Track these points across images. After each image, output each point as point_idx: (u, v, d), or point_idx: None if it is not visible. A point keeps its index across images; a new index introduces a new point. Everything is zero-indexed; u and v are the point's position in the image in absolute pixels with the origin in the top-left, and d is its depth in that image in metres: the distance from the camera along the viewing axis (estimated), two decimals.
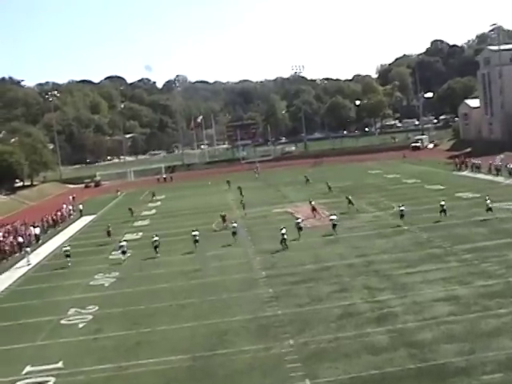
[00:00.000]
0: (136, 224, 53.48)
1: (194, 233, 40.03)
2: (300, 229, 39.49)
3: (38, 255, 43.75)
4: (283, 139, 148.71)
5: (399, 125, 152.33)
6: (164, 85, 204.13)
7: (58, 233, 53.35)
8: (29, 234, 48.94)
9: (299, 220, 41.15)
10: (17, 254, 44.15)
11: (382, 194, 55.24)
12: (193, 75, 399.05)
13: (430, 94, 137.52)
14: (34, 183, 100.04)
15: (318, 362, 20.06)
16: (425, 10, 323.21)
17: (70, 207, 65.69)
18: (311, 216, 46.42)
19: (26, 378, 21.49)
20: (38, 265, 40.89)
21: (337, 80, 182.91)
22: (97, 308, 28.81)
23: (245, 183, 74.05)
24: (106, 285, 33.33)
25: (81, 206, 64.56)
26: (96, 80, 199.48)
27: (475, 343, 19.95)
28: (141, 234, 47.80)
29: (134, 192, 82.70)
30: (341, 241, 37.60)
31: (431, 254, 32.07)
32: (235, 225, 41.66)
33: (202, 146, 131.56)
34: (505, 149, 71.52)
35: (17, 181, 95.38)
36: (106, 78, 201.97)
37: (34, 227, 50.71)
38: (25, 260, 41.46)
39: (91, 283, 33.90)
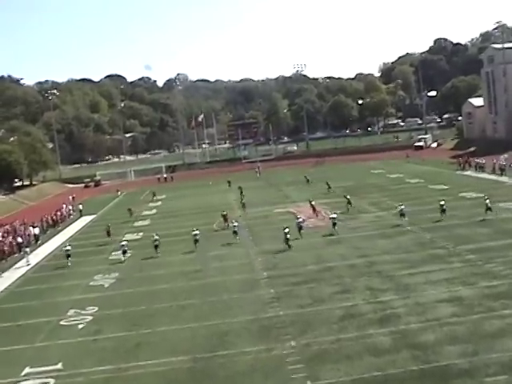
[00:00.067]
0: (136, 224, 53.53)
1: (194, 232, 40.16)
2: (300, 228, 39.55)
3: (37, 255, 43.79)
4: (285, 138, 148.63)
5: (402, 124, 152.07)
6: (165, 83, 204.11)
7: (57, 233, 53.40)
8: (28, 235, 48.99)
9: (300, 220, 41.20)
10: (16, 255, 44.18)
11: (384, 194, 55.22)
12: (194, 74, 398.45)
13: (433, 93, 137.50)
14: (34, 183, 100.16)
15: (319, 363, 20.06)
16: (428, 7, 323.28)
17: (70, 207, 65.74)
18: (313, 216, 46.48)
19: (25, 380, 21.51)
20: (37, 265, 40.93)
21: (339, 78, 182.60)
22: (96, 309, 28.83)
23: (246, 183, 74.07)
24: (106, 285, 33.36)
25: (80, 206, 64.62)
26: (96, 79, 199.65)
27: (479, 345, 19.93)
28: (141, 234, 47.85)
29: (134, 192, 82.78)
30: (343, 241, 37.60)
31: (434, 254, 32.04)
32: (236, 224, 41.83)
33: (203, 146, 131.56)
34: (509, 148, 71.34)
35: (16, 180, 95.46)
36: (105, 77, 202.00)
37: (34, 227, 50.75)
38: (24, 260, 41.51)
39: (91, 284, 33.94)
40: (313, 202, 48.88)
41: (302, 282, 29.61)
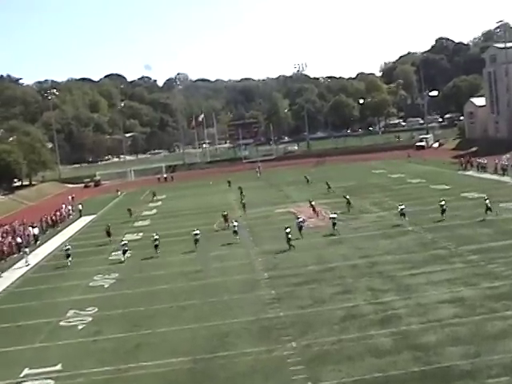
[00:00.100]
0: (136, 224, 53.55)
1: (194, 232, 40.24)
2: (300, 228, 39.59)
3: (36, 256, 43.80)
4: (285, 138, 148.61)
5: (403, 124, 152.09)
6: (165, 83, 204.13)
7: (57, 233, 53.42)
8: (27, 235, 49.01)
9: (300, 219, 41.25)
10: (15, 255, 44.20)
11: (386, 194, 55.22)
12: (194, 73, 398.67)
13: (434, 93, 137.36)
14: (33, 183, 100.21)
15: (320, 364, 20.06)
16: (429, 6, 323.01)
17: (70, 207, 65.79)
18: (313, 216, 46.51)
19: (25, 381, 21.52)
20: (36, 266, 40.95)
21: (340, 78, 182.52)
22: (96, 309, 28.84)
23: (246, 183, 74.09)
24: (106, 286, 33.37)
25: (80, 206, 64.62)
26: (96, 78, 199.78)
27: (481, 346, 19.92)
28: (141, 234, 47.86)
29: (134, 192, 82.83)
30: (344, 241, 37.59)
31: (436, 255, 32.03)
32: (236, 223, 41.95)
33: (204, 146, 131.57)
34: (511, 148, 71.34)
35: (15, 180, 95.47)
36: (105, 76, 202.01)
37: (33, 227, 50.77)
38: (23, 261, 41.49)
39: (90, 284, 33.95)
40: (313, 202, 48.91)
41: (302, 282, 29.61)
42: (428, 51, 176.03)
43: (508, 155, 66.31)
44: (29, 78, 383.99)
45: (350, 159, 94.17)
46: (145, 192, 77.69)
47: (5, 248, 44.15)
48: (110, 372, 21.37)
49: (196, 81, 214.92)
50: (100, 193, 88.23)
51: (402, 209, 41.21)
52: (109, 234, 46.39)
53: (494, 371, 18.16)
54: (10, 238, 46.60)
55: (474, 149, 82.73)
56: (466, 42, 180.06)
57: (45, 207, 68.92)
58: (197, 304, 28.10)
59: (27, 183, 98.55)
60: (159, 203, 67.62)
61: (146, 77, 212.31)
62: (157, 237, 40.00)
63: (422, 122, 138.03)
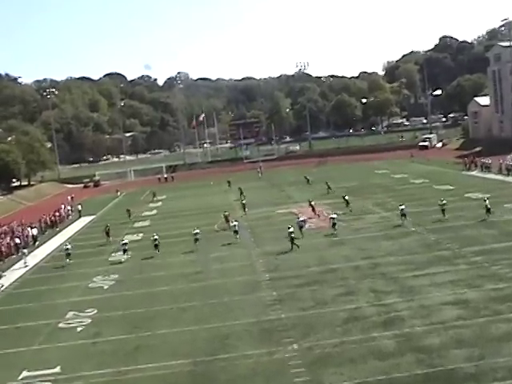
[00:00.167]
0: (136, 225, 53.56)
1: (194, 231, 40.48)
2: (301, 228, 39.63)
3: (35, 257, 43.80)
4: (287, 138, 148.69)
5: (407, 123, 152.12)
6: (165, 82, 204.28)
7: (56, 234, 53.43)
8: (26, 235, 49.03)
9: (300, 219, 41.34)
10: (13, 256, 44.21)
11: (389, 195, 55.17)
12: (195, 72, 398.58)
13: (438, 92, 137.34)
14: (32, 183, 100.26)
15: (322, 367, 20.04)
16: (433, 4, 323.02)
17: (69, 207, 65.81)
18: (315, 216, 46.54)
19: None
20: (35, 267, 40.95)
21: (342, 77, 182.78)
22: (96, 311, 28.83)
23: (248, 183, 74.12)
24: (105, 287, 33.37)
25: (79, 207, 64.67)
26: (95, 77, 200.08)
27: (485, 348, 19.88)
28: (141, 235, 47.86)
29: (134, 192, 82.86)
30: (346, 242, 37.57)
31: (439, 256, 32.00)
32: (236, 223, 42.19)
33: (205, 145, 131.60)
34: None
35: (14, 180, 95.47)
36: (105, 75, 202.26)
37: (32, 228, 50.77)
38: (22, 262, 41.48)
39: (90, 286, 33.95)
40: (312, 203, 48.98)
41: (304, 283, 29.59)
42: (431, 50, 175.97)
43: None
44: (27, 76, 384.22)
45: (353, 159, 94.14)
46: (145, 192, 77.74)
47: (3, 249, 44.15)
48: (110, 374, 21.35)
49: (197, 80, 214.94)
50: (99, 193, 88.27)
51: (402, 209, 41.27)
52: (108, 235, 46.50)
53: (499, 374, 18.12)
54: (9, 238, 46.60)
55: (478, 149, 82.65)
56: (469, 41, 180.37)
57: (44, 207, 68.93)
58: (197, 306, 28.09)
59: (26, 183, 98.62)
60: (159, 204, 67.64)
61: (147, 76, 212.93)
62: (156, 237, 40.20)
63: (425, 121, 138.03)
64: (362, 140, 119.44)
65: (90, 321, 27.55)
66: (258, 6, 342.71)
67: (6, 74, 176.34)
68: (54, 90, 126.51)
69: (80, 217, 62.05)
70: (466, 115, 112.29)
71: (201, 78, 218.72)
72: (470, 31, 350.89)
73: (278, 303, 27.03)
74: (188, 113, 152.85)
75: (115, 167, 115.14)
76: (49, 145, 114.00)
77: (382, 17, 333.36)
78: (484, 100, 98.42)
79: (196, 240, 40.21)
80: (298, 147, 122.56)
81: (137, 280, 34.18)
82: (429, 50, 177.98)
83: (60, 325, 27.46)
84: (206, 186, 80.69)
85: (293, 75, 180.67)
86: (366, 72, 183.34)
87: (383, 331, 22.33)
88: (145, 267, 37.12)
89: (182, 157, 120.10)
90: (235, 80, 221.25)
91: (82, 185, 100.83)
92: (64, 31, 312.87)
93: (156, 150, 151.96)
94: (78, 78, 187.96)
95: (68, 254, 40.13)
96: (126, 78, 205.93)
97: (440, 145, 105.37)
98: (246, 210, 53.01)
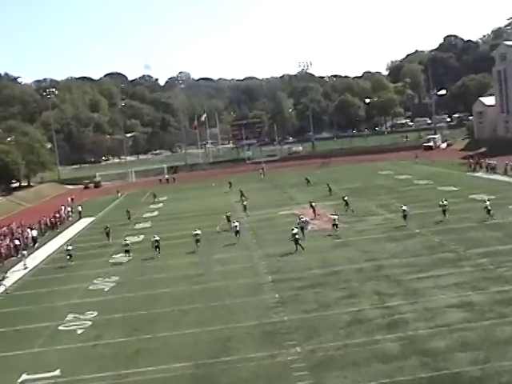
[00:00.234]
0: (137, 226, 53.62)
1: (195, 232, 40.65)
2: (302, 229, 39.66)
3: (35, 259, 43.85)
4: (290, 139, 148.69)
5: (411, 124, 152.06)
6: (166, 82, 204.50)
7: (56, 235, 53.47)
8: (26, 237, 49.05)
9: (302, 220, 41.44)
10: (13, 258, 44.25)
11: (392, 196, 55.15)
12: (196, 72, 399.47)
13: (442, 92, 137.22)
14: (31, 184, 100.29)
15: (325, 370, 20.04)
16: (438, 3, 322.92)
17: (69, 209, 65.87)
18: (317, 218, 46.60)
19: None
20: (35, 268, 41.00)
21: (346, 77, 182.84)
22: (96, 314, 28.84)
23: (250, 184, 74.17)
24: (106, 289, 33.39)
25: (80, 208, 64.72)
26: (96, 77, 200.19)
27: (490, 352, 19.86)
28: (142, 236, 47.87)
29: (135, 193, 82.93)
30: (350, 244, 37.57)
31: (443, 258, 31.97)
32: (237, 224, 42.38)
33: (206, 146, 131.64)
34: None
35: (13, 181, 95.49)
36: (106, 75, 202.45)
37: (31, 229, 50.81)
38: (21, 263, 41.51)
39: (90, 288, 33.98)
40: (313, 204, 49.05)
41: (307, 286, 29.60)
42: (436, 49, 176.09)
43: None
44: (27, 76, 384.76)
45: (356, 160, 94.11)
46: (146, 193, 77.82)
47: (2, 250, 44.19)
48: (110, 378, 21.37)
49: (198, 80, 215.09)
50: (100, 194, 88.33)
51: (404, 210, 41.30)
52: (108, 236, 46.63)
53: (504, 378, 18.10)
54: (8, 240, 46.67)
55: (483, 149, 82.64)
56: (475, 40, 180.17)
57: (43, 209, 69.05)
58: (199, 308, 28.10)
59: (26, 184, 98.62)
60: (160, 205, 67.70)
61: (148, 76, 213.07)
62: (157, 238, 40.25)
63: (429, 121, 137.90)
64: (365, 140, 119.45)
65: (90, 323, 27.57)
66: (260, 4, 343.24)
67: (6, 74, 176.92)
68: (54, 90, 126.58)
69: (80, 218, 62.12)
70: (471, 115, 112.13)
71: (202, 78, 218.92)
72: (475, 30, 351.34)
73: (280, 306, 27.03)
74: (189, 113, 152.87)
75: (116, 168, 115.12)
76: (49, 145, 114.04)
77: (386, 16, 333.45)
78: (489, 100, 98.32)
79: (197, 241, 40.37)
80: (300, 148, 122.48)
81: (138, 282, 34.19)
82: (433, 50, 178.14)
83: (60, 327, 27.48)
84: (207, 187, 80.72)
85: (295, 75, 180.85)
86: (369, 72, 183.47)
87: (387, 334, 22.32)
88: (146, 269, 37.15)
89: (184, 157, 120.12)
90: (237, 80, 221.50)
91: (83, 186, 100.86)
92: (64, 31, 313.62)
93: (157, 151, 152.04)
94: (79, 78, 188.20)
95: (69, 256, 40.29)
96: (126, 78, 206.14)
97: (444, 145, 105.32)
98: (248, 211, 53.11)
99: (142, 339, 24.72)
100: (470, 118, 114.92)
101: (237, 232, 41.71)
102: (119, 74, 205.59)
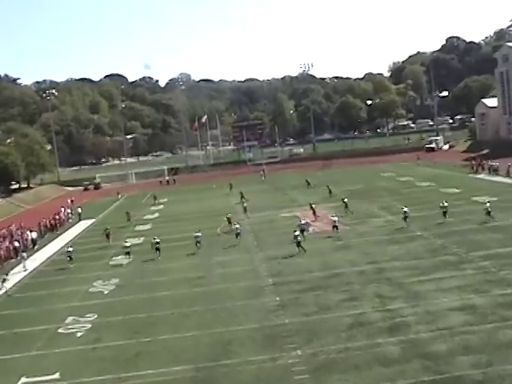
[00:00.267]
0: (138, 228, 53.64)
1: (195, 234, 40.76)
2: (302, 231, 39.68)
3: (34, 261, 43.87)
4: (291, 140, 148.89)
5: (413, 125, 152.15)
6: (167, 83, 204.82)
7: (55, 237, 53.49)
8: (25, 239, 49.10)
9: (302, 222, 41.49)
10: (12, 260, 44.29)
11: (394, 198, 55.14)
12: (197, 73, 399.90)
13: (445, 93, 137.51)
14: (31, 186, 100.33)
15: (326, 373, 20.03)
16: (440, 4, 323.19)
17: (69, 211, 65.88)
18: (316, 219, 46.64)
19: None
20: (34, 271, 41.03)
21: (347, 78, 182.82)
22: (96, 316, 28.86)
23: (251, 186, 74.19)
24: (106, 292, 33.39)
25: (79, 210, 64.76)
26: (96, 78, 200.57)
27: (493, 355, 19.85)
28: (142, 238, 47.87)
29: (135, 195, 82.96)
30: (351, 246, 37.56)
31: (445, 261, 31.96)
32: (238, 226, 42.65)
33: (207, 147, 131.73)
34: None
35: (13, 183, 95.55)
36: (106, 77, 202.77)
37: (31, 231, 50.86)
38: (21, 266, 41.54)
39: (90, 290, 33.98)
40: (313, 206, 49.08)
41: (308, 289, 29.58)
42: (438, 51, 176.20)
43: None
44: (27, 77, 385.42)
45: (358, 162, 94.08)
46: (146, 195, 77.87)
47: (2, 252, 44.24)
48: (110, 381, 21.38)
49: (199, 81, 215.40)
50: (100, 196, 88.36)
51: (405, 212, 41.36)
52: (108, 237, 46.71)
53: (506, 382, 18.10)
54: (8, 242, 46.70)
55: (485, 151, 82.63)
56: (477, 41, 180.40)
57: (43, 211, 69.07)
58: (199, 311, 28.10)
59: (25, 186, 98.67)
60: (161, 207, 67.72)
61: (148, 77, 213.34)
62: (158, 240, 40.28)
63: (431, 123, 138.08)
64: (367, 142, 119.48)
65: (89, 326, 27.57)
66: (261, 5, 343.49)
67: (6, 75, 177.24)
68: (53, 91, 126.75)
69: (80, 220, 62.15)
70: (473, 117, 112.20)
71: (203, 80, 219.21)
72: (477, 31, 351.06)
73: (281, 308, 27.03)
74: (190, 114, 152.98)
75: (116, 170, 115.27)
76: (48, 147, 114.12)
77: (388, 17, 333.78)
78: (492, 101, 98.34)
79: (197, 243, 40.41)
80: (301, 150, 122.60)
81: (138, 285, 34.20)
82: (435, 51, 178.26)
83: (59, 330, 27.49)
84: (208, 189, 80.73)
85: (296, 76, 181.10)
86: (371, 73, 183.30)
87: (388, 337, 22.31)
88: (146, 271, 37.15)
89: (184, 159, 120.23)
90: (238, 81, 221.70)
91: (82, 187, 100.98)
92: (64, 32, 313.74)
93: (157, 153, 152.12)
94: (79, 80, 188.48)
95: (70, 258, 40.35)
96: (126, 80, 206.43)
97: (447, 147, 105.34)
98: (248, 213, 53.17)
99: (142, 342, 24.71)
100: (473, 119, 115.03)
101: (237, 234, 41.84)
102: (119, 75, 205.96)
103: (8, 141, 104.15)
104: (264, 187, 76.69)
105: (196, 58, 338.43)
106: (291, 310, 26.75)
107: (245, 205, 55.60)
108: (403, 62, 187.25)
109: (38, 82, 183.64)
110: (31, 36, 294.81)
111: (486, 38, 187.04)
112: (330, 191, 60.35)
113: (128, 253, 40.63)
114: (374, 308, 25.69)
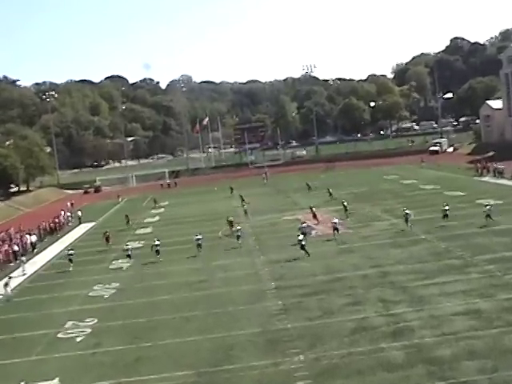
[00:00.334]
0: (138, 232, 53.64)
1: (197, 237, 40.79)
2: (304, 234, 39.67)
3: (34, 264, 43.87)
4: (293, 143, 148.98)
5: (416, 127, 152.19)
6: (168, 85, 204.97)
7: (55, 241, 53.53)
8: (24, 242, 49.12)
9: (304, 225, 41.48)
10: (12, 264, 44.29)
11: (398, 201, 55.06)
12: (198, 75, 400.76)
13: (449, 95, 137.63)
14: (30, 188, 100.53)
15: (329, 378, 19.98)
16: (444, 5, 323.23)
17: (69, 214, 65.94)
18: (317, 223, 46.66)
19: None
20: (34, 274, 41.02)
21: (350, 80, 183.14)
22: (96, 321, 28.83)
23: (253, 189, 74.24)
24: (106, 296, 33.37)
25: (79, 213, 64.82)
26: (96, 80, 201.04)
27: (498, 360, 19.78)
28: (143, 242, 47.85)
29: (136, 198, 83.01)
30: (354, 250, 37.51)
31: (450, 264, 31.89)
32: (239, 228, 42.85)
33: (209, 150, 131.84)
34: None
35: (12, 186, 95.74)
36: (106, 78, 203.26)
37: (30, 235, 50.86)
38: (20, 269, 41.57)
39: (90, 294, 33.96)
40: (313, 209, 49.10)
41: (311, 293, 29.54)
42: (442, 52, 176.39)
43: None
44: (26, 79, 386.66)
45: (361, 164, 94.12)
46: (147, 198, 77.91)
47: (1, 256, 44.24)
48: None
49: (200, 83, 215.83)
50: (100, 199, 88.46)
51: (406, 213, 41.38)
52: (108, 241, 46.75)
53: None
54: (7, 245, 46.70)
55: (490, 153, 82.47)
56: (482, 42, 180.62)
57: (43, 214, 69.10)
58: (201, 315, 28.06)
59: (24, 189, 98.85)
60: (162, 210, 67.75)
61: (149, 79, 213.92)
62: (158, 242, 40.37)
63: (435, 125, 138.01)
64: (370, 145, 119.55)
65: (89, 331, 27.54)
66: (263, 6, 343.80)
67: (5, 77, 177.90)
68: (53, 93, 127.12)
69: (80, 223, 62.19)
70: (478, 119, 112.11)
71: (204, 81, 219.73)
72: (482, 32, 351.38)
73: (283, 313, 26.99)
74: (191, 117, 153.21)
75: (116, 172, 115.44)
76: (48, 149, 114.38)
77: (391, 17, 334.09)
78: (496, 103, 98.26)
79: (198, 246, 40.41)
80: (304, 152, 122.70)
81: (138, 289, 34.17)
82: (439, 52, 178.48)
83: (59, 335, 27.45)
84: (209, 191, 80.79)
85: (299, 78, 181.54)
86: (374, 75, 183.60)
87: (392, 342, 22.25)
88: (146, 275, 37.14)
89: (185, 162, 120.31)
90: (240, 83, 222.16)
91: (82, 190, 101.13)
92: (64, 33, 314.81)
93: (158, 155, 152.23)
94: (79, 81, 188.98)
95: (70, 261, 40.40)
96: (127, 81, 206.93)
97: (451, 149, 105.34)
98: (249, 216, 53.23)
99: (143, 347, 24.68)
100: (477, 121, 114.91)
101: (238, 236, 41.88)
102: (120, 76, 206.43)
103: (7, 143, 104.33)
104: (266, 190, 76.73)
105: (197, 59, 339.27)
106: (294, 314, 26.70)
107: (245, 208, 55.68)
108: (407, 63, 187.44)
109: (37, 84, 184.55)
110: (31, 37, 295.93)
111: (491, 38, 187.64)
112: (331, 194, 60.38)
113: (129, 255, 40.73)
114: (377, 312, 25.63)
